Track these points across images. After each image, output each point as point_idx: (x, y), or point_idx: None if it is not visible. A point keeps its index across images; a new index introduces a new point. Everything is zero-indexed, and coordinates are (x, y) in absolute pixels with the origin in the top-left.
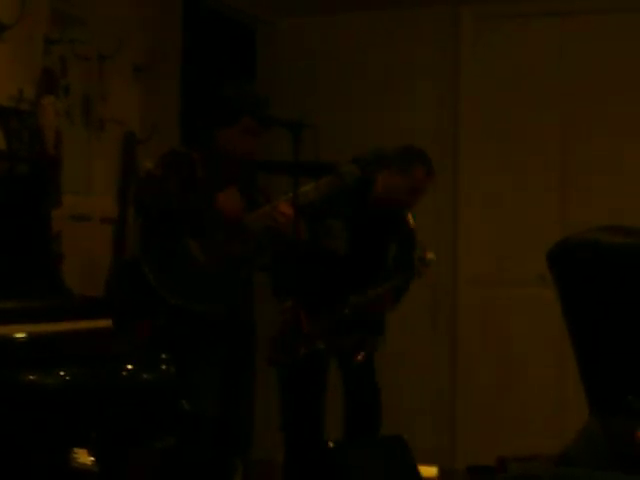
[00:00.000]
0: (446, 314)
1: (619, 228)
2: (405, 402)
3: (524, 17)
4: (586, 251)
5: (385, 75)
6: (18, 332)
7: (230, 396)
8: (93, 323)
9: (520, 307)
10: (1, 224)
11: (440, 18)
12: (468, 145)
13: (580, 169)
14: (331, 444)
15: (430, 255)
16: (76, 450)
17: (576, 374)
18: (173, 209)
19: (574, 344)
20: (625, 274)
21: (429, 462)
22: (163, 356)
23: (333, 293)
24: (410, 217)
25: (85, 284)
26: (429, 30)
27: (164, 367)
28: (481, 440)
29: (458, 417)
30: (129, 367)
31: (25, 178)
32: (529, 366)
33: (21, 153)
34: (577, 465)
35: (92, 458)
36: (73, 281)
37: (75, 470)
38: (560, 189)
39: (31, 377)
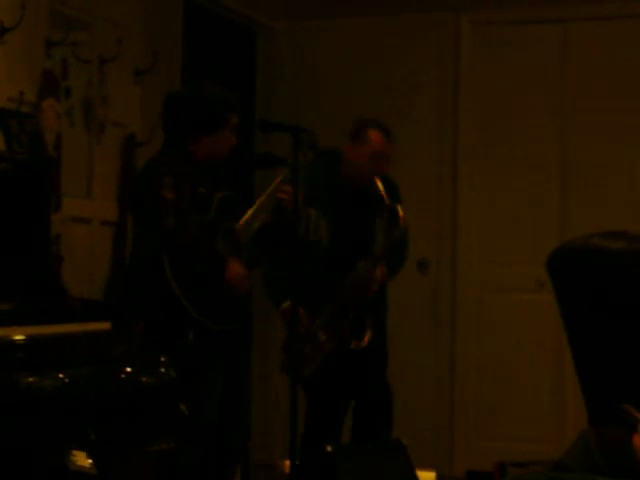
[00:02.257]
0: (445, 319)
1: (618, 234)
2: (404, 407)
3: (525, 24)
4: (585, 257)
5: (384, 80)
6: (17, 334)
7: (231, 403)
8: (92, 325)
9: (519, 313)
10: (1, 226)
11: (440, 24)
12: (468, 151)
13: (580, 175)
14: (329, 448)
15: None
16: (74, 452)
17: (575, 380)
18: (194, 236)
19: (572, 350)
20: (623, 280)
21: (427, 467)
22: (162, 359)
23: (327, 284)
24: (379, 184)
25: (84, 286)
26: (429, 36)
27: (163, 370)
28: (480, 446)
29: (456, 422)
30: (128, 370)
31: (25, 180)
32: (528, 372)
33: (21, 155)
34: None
35: (90, 460)
36: (72, 283)
37: (73, 473)
38: (560, 195)
39: (29, 379)
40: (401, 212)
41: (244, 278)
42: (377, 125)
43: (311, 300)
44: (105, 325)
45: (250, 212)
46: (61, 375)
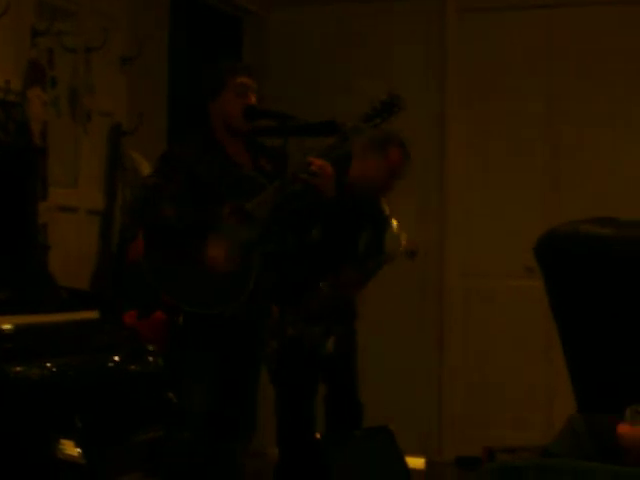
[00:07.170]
0: (433, 306)
1: (606, 220)
2: (392, 394)
3: (510, 10)
4: (572, 242)
5: (371, 67)
6: (4, 323)
7: (233, 393)
8: (79, 314)
9: (507, 299)
10: None
11: (427, 11)
12: (456, 139)
13: (567, 161)
14: (318, 436)
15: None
16: (62, 441)
17: (564, 366)
18: (170, 222)
19: (561, 337)
20: (610, 265)
21: (416, 453)
22: (150, 348)
23: (303, 281)
24: (384, 204)
25: (71, 275)
26: (416, 22)
27: (151, 359)
28: (468, 432)
29: (444, 409)
30: (115, 358)
31: (11, 170)
32: (517, 358)
33: (7, 144)
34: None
35: (78, 449)
36: (59, 272)
37: (61, 461)
38: (547, 181)
39: (17, 368)
40: (396, 229)
41: (220, 257)
42: (401, 144)
43: (285, 294)
44: (93, 314)
45: (269, 190)
46: (49, 364)
